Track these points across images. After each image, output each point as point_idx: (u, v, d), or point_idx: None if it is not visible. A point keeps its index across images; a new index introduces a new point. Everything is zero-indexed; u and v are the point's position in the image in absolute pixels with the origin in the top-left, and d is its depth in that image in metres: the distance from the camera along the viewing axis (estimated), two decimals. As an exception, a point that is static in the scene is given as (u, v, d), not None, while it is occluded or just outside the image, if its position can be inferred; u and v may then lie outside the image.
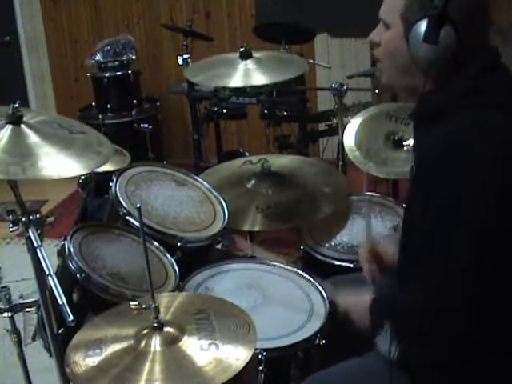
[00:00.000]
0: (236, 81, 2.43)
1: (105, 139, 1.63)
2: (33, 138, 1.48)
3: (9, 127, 1.48)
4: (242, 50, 2.51)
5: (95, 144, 1.57)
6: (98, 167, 1.51)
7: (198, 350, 1.36)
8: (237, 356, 1.34)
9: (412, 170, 1.43)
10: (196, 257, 2.12)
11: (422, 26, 1.35)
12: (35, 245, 1.43)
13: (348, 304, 1.63)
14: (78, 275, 1.79)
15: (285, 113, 3.55)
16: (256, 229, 2.32)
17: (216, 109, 3.74)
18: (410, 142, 2.55)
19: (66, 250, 1.85)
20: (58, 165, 1.45)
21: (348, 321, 1.61)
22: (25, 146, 1.46)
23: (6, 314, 1.74)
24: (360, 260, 1.82)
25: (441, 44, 1.34)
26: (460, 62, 1.37)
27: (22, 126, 1.50)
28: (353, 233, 2.34)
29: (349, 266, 2.15)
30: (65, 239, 1.89)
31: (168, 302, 1.52)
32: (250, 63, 2.48)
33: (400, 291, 1.48)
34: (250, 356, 1.34)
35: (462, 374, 1.36)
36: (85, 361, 1.36)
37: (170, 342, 1.38)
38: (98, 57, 4.30)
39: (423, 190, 1.35)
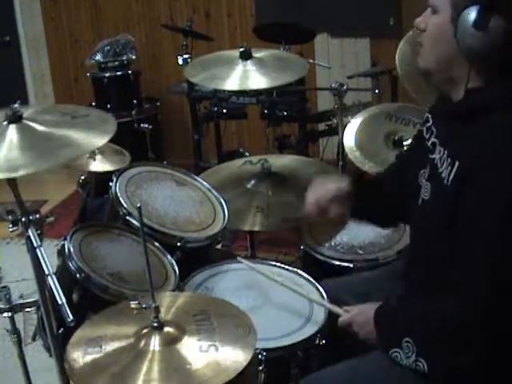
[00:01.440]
0: (235, 83, 2.42)
1: (109, 116, 1.63)
2: (38, 128, 1.49)
3: (12, 126, 1.48)
4: (242, 50, 2.50)
5: (100, 123, 1.57)
6: (105, 142, 1.50)
7: (198, 350, 1.36)
8: (236, 358, 1.34)
9: (441, 161, 1.42)
10: (196, 257, 2.12)
11: (472, 11, 1.33)
12: (35, 245, 1.43)
13: (350, 314, 1.63)
14: (77, 275, 1.79)
15: (285, 113, 3.56)
16: (256, 229, 2.32)
17: (216, 109, 3.74)
18: (410, 141, 2.55)
19: (66, 249, 1.84)
20: (72, 145, 1.45)
21: (348, 333, 1.61)
22: (34, 138, 1.47)
23: (5, 314, 1.74)
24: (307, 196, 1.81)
25: (489, 32, 1.32)
26: (505, 58, 1.36)
27: (24, 121, 1.50)
28: (353, 233, 2.34)
29: (349, 266, 2.15)
30: (65, 239, 1.89)
31: (169, 302, 1.52)
32: (250, 64, 2.47)
33: (426, 301, 1.46)
34: (249, 358, 1.34)
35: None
36: (84, 358, 1.36)
37: (170, 342, 1.38)
38: (98, 57, 4.30)
39: (475, 187, 1.32)
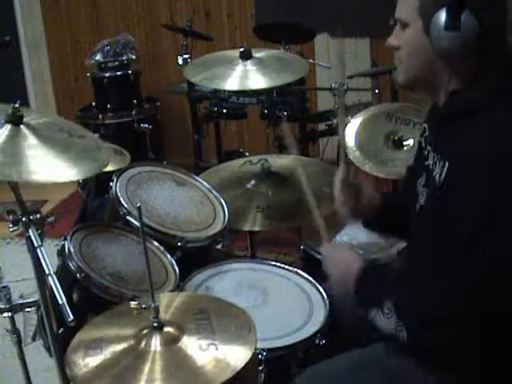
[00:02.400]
0: (235, 83, 2.42)
1: (104, 145, 1.62)
2: (31, 139, 1.47)
3: (8, 127, 1.48)
4: (242, 50, 2.50)
5: (93, 149, 1.56)
6: (92, 174, 1.51)
7: (198, 350, 1.36)
8: (236, 356, 1.34)
9: (434, 165, 1.42)
10: (196, 257, 2.13)
11: (442, 15, 1.34)
12: (35, 245, 1.43)
13: (329, 257, 1.65)
14: (77, 275, 1.79)
15: (285, 113, 3.56)
16: (256, 229, 2.32)
17: (216, 109, 3.74)
18: (410, 141, 2.55)
19: (66, 249, 1.85)
20: (52, 169, 1.43)
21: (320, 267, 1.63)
22: (22, 148, 1.44)
23: (5, 314, 1.74)
24: (333, 189, 1.79)
25: (463, 30, 1.33)
26: (485, 53, 1.37)
27: (22, 126, 1.49)
28: (353, 233, 2.34)
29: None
30: (65, 239, 1.89)
31: (168, 302, 1.52)
32: (250, 64, 2.47)
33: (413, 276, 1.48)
34: (249, 357, 1.34)
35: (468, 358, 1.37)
36: (85, 360, 1.36)
37: (170, 342, 1.38)
38: (98, 57, 4.30)
39: (465, 185, 1.33)
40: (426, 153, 1.53)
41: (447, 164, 1.37)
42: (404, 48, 1.47)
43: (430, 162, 1.47)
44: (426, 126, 1.61)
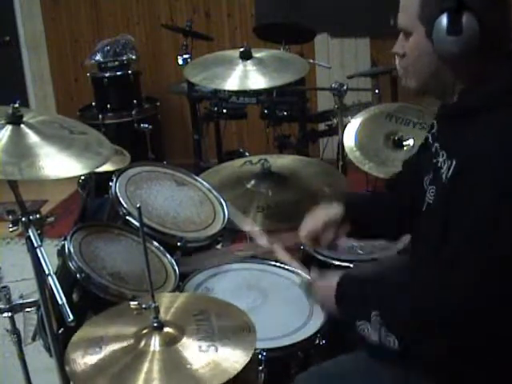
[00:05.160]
0: (235, 83, 2.42)
1: (105, 140, 1.63)
2: (33, 137, 1.48)
3: (9, 127, 1.48)
4: (242, 50, 2.50)
5: (95, 144, 1.57)
6: (97, 168, 1.51)
7: (198, 351, 1.36)
8: (236, 358, 1.34)
9: (443, 163, 1.43)
10: (196, 257, 2.13)
11: (443, 20, 1.35)
12: (35, 245, 1.43)
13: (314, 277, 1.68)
14: (77, 275, 1.79)
15: (285, 113, 3.56)
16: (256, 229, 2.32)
17: (216, 109, 3.74)
18: (410, 141, 2.55)
19: (66, 249, 1.84)
20: (57, 165, 1.44)
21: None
22: (24, 146, 1.45)
23: (5, 314, 1.73)
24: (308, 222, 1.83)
25: (465, 33, 1.34)
26: (488, 53, 1.38)
27: (22, 126, 1.50)
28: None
29: (349, 266, 2.15)
30: (65, 239, 1.89)
31: (169, 303, 1.52)
32: (250, 64, 2.47)
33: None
34: (248, 359, 1.34)
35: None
36: (84, 359, 1.36)
37: (170, 343, 1.38)
38: (98, 57, 4.31)
39: (469, 184, 1.33)
40: (433, 150, 1.53)
41: (454, 162, 1.38)
42: (409, 55, 1.48)
43: (439, 159, 1.47)
44: (434, 122, 1.61)
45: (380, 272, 1.78)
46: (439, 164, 1.46)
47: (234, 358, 1.34)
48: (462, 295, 1.31)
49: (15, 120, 1.49)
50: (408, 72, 1.51)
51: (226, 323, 1.45)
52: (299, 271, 1.82)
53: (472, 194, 1.32)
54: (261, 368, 1.62)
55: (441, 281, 1.35)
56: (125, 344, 1.39)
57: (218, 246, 2.29)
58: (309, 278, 1.71)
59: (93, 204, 2.78)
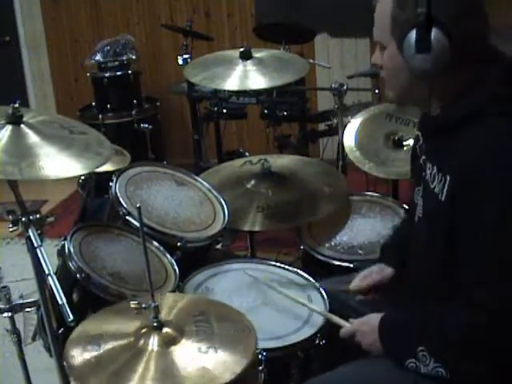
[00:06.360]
0: (235, 83, 2.41)
1: (105, 140, 1.63)
2: (33, 137, 1.48)
3: (9, 127, 1.48)
4: (242, 50, 2.50)
5: (95, 144, 1.57)
6: (97, 168, 1.52)
7: (197, 352, 1.36)
8: (235, 360, 1.34)
9: (431, 177, 1.42)
10: (196, 257, 2.12)
11: (412, 37, 1.32)
12: (35, 245, 1.43)
13: (353, 325, 1.60)
14: (77, 275, 1.79)
15: (285, 113, 3.56)
16: (256, 229, 2.32)
17: (216, 109, 3.74)
18: (410, 141, 2.55)
19: (66, 249, 1.85)
20: (57, 165, 1.45)
21: (351, 345, 1.58)
22: (24, 146, 1.46)
23: (5, 314, 1.74)
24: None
25: (435, 50, 1.31)
26: (464, 65, 1.35)
27: (22, 126, 1.50)
28: (353, 233, 2.34)
29: (349, 266, 2.15)
30: (65, 239, 1.89)
31: (171, 303, 1.52)
32: (250, 64, 2.47)
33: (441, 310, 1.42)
34: (248, 361, 1.34)
35: None
36: (83, 355, 1.36)
37: (169, 343, 1.38)
38: (98, 57, 4.30)
39: (473, 197, 1.31)
40: (421, 162, 1.52)
41: (449, 178, 1.35)
42: (385, 68, 1.48)
43: (427, 172, 1.46)
44: (419, 133, 1.59)
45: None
46: (427, 177, 1.45)
47: (233, 360, 1.34)
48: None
49: (15, 120, 1.49)
50: (386, 83, 1.50)
51: (226, 325, 1.45)
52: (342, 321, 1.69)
53: (478, 209, 1.30)
54: (261, 368, 1.61)
55: (476, 301, 1.32)
56: (123, 342, 1.39)
57: (218, 246, 2.29)
58: (349, 325, 1.62)
59: (93, 204, 2.78)
